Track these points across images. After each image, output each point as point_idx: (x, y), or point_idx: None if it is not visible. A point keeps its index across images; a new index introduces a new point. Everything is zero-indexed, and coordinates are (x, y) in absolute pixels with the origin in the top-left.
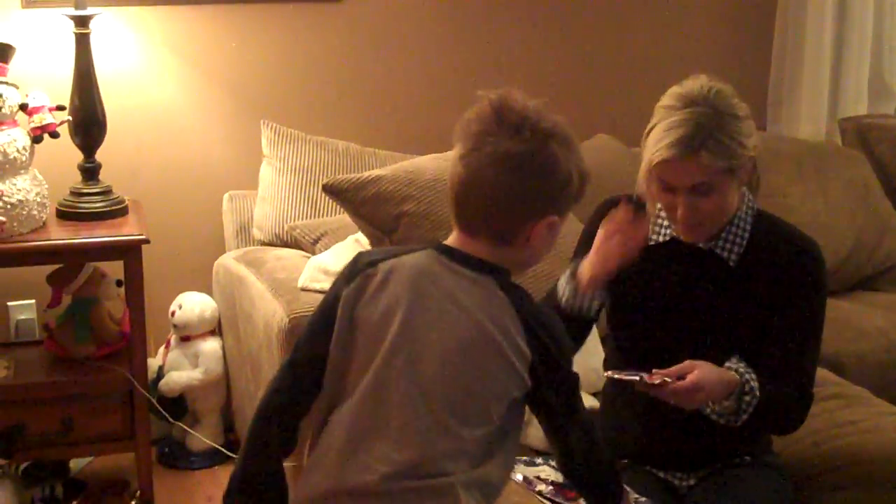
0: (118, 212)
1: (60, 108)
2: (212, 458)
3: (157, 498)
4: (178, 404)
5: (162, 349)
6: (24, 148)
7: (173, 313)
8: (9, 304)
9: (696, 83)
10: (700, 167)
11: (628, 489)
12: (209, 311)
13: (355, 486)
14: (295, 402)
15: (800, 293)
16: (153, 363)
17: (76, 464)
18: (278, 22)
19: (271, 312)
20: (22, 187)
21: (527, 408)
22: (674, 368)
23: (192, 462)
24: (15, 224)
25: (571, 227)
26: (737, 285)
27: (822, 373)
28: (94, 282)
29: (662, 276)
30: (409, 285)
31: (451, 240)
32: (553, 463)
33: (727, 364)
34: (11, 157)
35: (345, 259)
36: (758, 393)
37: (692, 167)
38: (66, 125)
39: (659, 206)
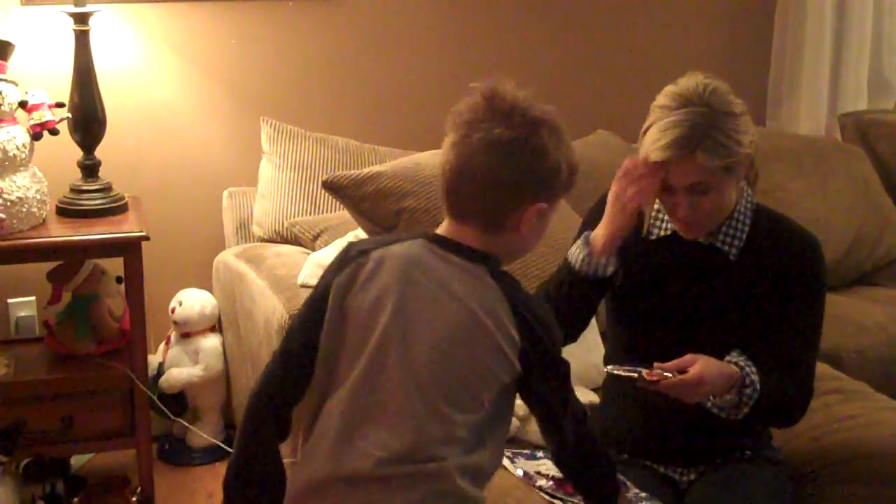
0: (118, 209)
1: (60, 105)
2: (212, 455)
3: (157, 494)
4: (178, 401)
5: (162, 346)
6: (23, 145)
7: (173, 310)
8: (9, 301)
9: (690, 81)
10: (697, 167)
11: (627, 483)
12: (209, 308)
13: (351, 472)
14: (286, 391)
15: (799, 287)
16: (153, 360)
17: (77, 461)
18: (278, 18)
19: (271, 309)
20: (22, 184)
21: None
22: (675, 362)
23: (192, 458)
24: (15, 221)
25: (569, 222)
26: (737, 279)
27: (821, 368)
28: (94, 279)
29: (663, 270)
30: (400, 274)
31: (442, 228)
32: None
33: (727, 358)
34: (11, 154)
35: None
36: (758, 386)
37: (689, 167)
38: (65, 122)
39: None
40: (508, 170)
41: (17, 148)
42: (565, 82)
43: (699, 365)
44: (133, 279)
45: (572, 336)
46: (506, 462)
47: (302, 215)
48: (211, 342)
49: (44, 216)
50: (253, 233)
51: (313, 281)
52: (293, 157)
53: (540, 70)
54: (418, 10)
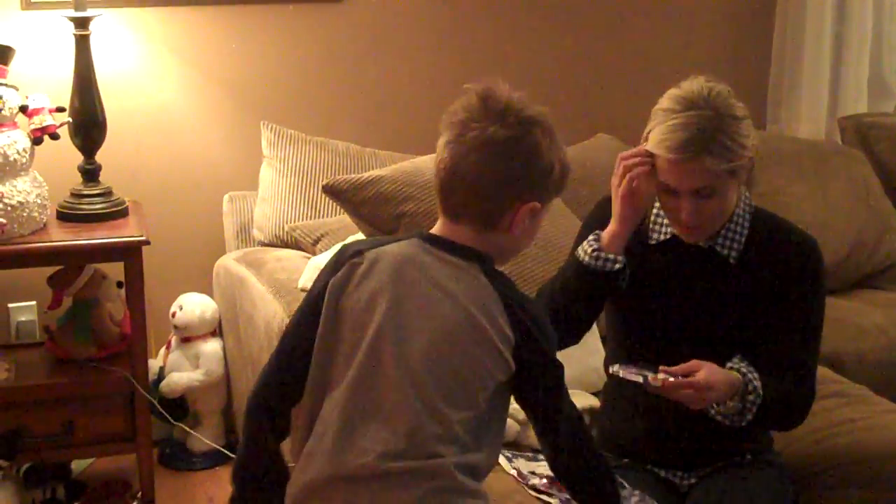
0: (118, 213)
1: (60, 109)
2: (213, 459)
3: (158, 499)
4: (179, 405)
5: (163, 350)
6: (24, 150)
7: (174, 314)
8: (9, 305)
9: (694, 84)
10: (703, 170)
11: (623, 482)
12: (210, 313)
13: (352, 470)
14: (282, 392)
15: (799, 289)
16: (154, 364)
17: (77, 465)
18: (278, 23)
19: (272, 313)
20: (22, 189)
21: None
22: (679, 367)
23: (193, 463)
24: (15, 226)
25: (566, 224)
26: (737, 282)
27: (822, 371)
28: (94, 283)
29: (663, 274)
30: (394, 273)
31: (437, 228)
32: None
33: (728, 364)
34: (11, 158)
35: None
36: (761, 391)
37: (695, 171)
38: (66, 127)
39: (658, 203)
40: (502, 169)
41: (18, 152)
42: (566, 86)
43: (705, 370)
44: (133, 284)
45: (575, 337)
46: (502, 461)
47: (302, 219)
48: (211, 346)
49: (44, 221)
50: (253, 237)
51: None
52: (293, 161)
53: (540, 74)
54: (418, 15)
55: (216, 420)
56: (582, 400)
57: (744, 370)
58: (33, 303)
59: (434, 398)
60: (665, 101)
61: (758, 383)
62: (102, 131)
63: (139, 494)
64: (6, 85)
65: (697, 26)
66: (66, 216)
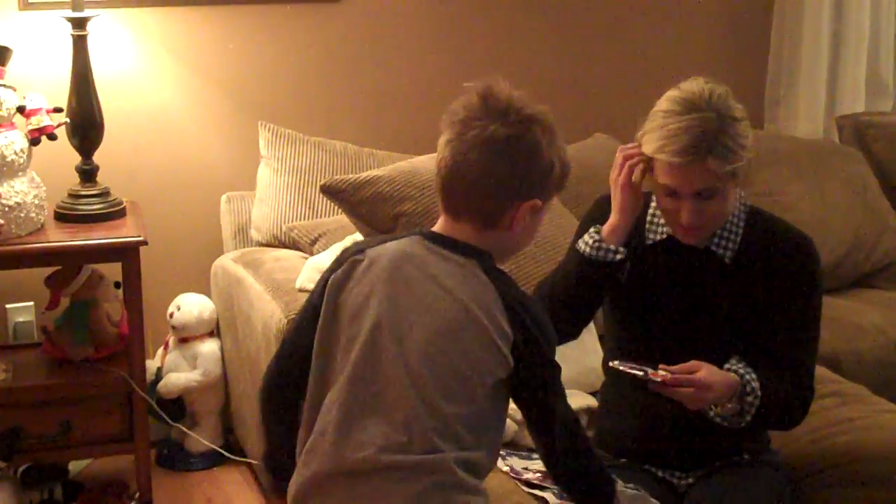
0: (116, 213)
1: (58, 110)
2: (211, 460)
3: (156, 500)
4: (176, 406)
5: (160, 351)
6: (21, 150)
7: (171, 315)
8: (7, 306)
9: (694, 86)
10: (706, 173)
11: (616, 479)
12: (207, 313)
13: (353, 465)
14: (286, 387)
15: (796, 288)
16: (151, 365)
17: (75, 466)
18: (276, 23)
19: (269, 313)
20: (20, 190)
21: None
22: (679, 367)
23: (191, 464)
24: (13, 226)
25: (564, 224)
26: (733, 282)
27: (819, 371)
28: (92, 284)
29: (659, 274)
30: (392, 268)
31: (438, 226)
32: None
33: (726, 366)
34: (9, 159)
35: None
36: (759, 392)
37: (698, 173)
38: (63, 127)
39: (654, 205)
40: (503, 167)
41: (16, 153)
42: (563, 86)
43: (705, 370)
44: (131, 284)
45: (573, 332)
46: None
47: (300, 219)
48: (209, 347)
49: (42, 221)
50: (251, 237)
51: (311, 285)
52: (291, 161)
53: (538, 73)
54: (416, 14)
55: (214, 420)
56: (580, 400)
57: (741, 371)
58: (31, 303)
59: (431, 392)
60: (664, 103)
61: (756, 384)
62: (100, 132)
63: (137, 495)
64: (3, 85)
65: (695, 25)
66: (64, 217)
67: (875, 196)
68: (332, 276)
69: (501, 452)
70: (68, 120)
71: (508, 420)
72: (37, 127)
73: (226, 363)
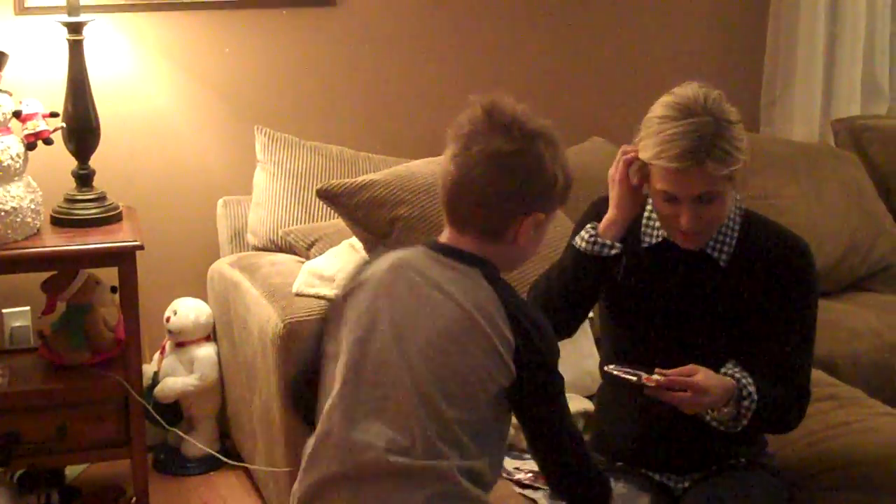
0: (112, 218)
1: (54, 114)
2: (207, 464)
3: None
4: (173, 410)
5: (157, 355)
6: (17, 155)
7: (168, 319)
8: (3, 311)
9: (688, 91)
10: (706, 177)
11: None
12: (204, 317)
13: (357, 467)
14: (307, 392)
15: (791, 291)
16: (148, 369)
17: (72, 471)
18: (272, 27)
19: (266, 318)
20: (16, 194)
21: None
22: (676, 370)
23: (187, 468)
24: (9, 231)
25: (563, 229)
26: (728, 285)
27: (816, 374)
28: (88, 288)
29: (655, 278)
30: (394, 274)
31: (442, 237)
32: None
33: (722, 370)
34: (5, 164)
35: (339, 264)
36: (756, 396)
37: (698, 177)
38: (59, 132)
39: (649, 208)
40: (508, 181)
41: (11, 158)
42: (559, 89)
43: (702, 374)
44: (127, 288)
45: (568, 330)
46: None
47: (296, 224)
48: (206, 351)
49: (38, 226)
50: (247, 241)
51: (308, 290)
52: (287, 165)
53: (534, 77)
54: (412, 19)
55: (210, 425)
56: (576, 403)
57: (738, 376)
58: (27, 308)
59: (432, 393)
60: (659, 109)
61: (752, 389)
62: (96, 136)
63: (133, 500)
64: (0, 90)
65: (691, 29)
66: (60, 221)
67: (871, 199)
68: (346, 285)
69: None
70: (64, 124)
71: None
72: (33, 132)
73: (222, 367)
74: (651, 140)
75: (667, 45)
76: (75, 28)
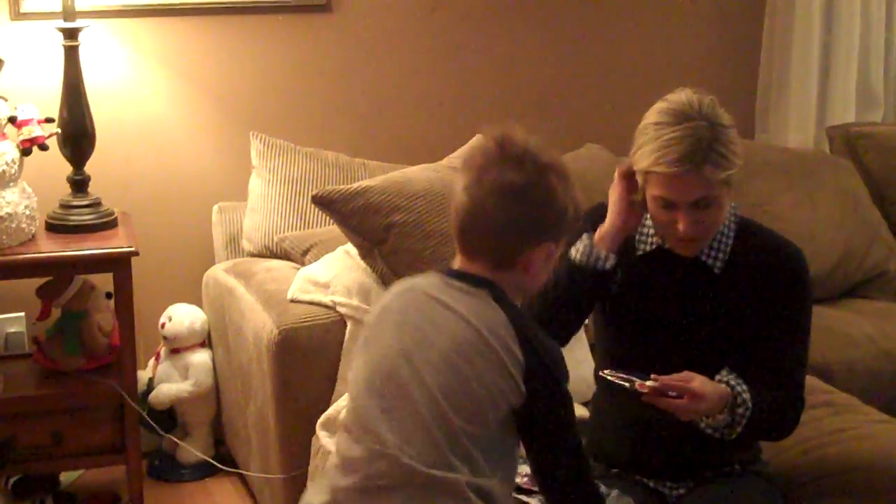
0: (107, 224)
1: (49, 120)
2: (202, 471)
3: None
4: (168, 417)
5: (152, 361)
6: (12, 161)
7: (163, 325)
8: None
9: (682, 96)
10: (704, 181)
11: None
12: (199, 323)
13: (369, 477)
14: None
15: (785, 299)
16: (143, 376)
17: (66, 477)
18: (268, 33)
19: (261, 324)
20: (11, 200)
21: None
22: (673, 376)
23: (182, 474)
24: (4, 237)
25: None
26: (723, 292)
27: (810, 380)
28: (83, 294)
29: (649, 285)
30: (402, 293)
31: (454, 264)
32: None
33: (717, 377)
34: (0, 170)
35: (334, 270)
36: (750, 404)
37: (695, 182)
38: (55, 137)
39: (645, 215)
40: (520, 213)
41: (7, 163)
42: (554, 96)
43: (698, 381)
44: (122, 294)
45: (563, 339)
46: None
47: (292, 230)
48: (200, 357)
49: (33, 232)
50: (243, 248)
51: (303, 296)
52: (283, 171)
53: (529, 84)
54: (408, 25)
55: (205, 431)
56: None
57: (732, 383)
58: (22, 314)
59: (442, 406)
60: (654, 116)
61: (747, 396)
62: (91, 142)
63: None
64: None
65: (686, 36)
66: (55, 227)
67: (865, 206)
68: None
69: None
70: (60, 130)
71: None
72: (28, 137)
73: (217, 374)
74: (648, 147)
75: (662, 53)
76: (71, 34)
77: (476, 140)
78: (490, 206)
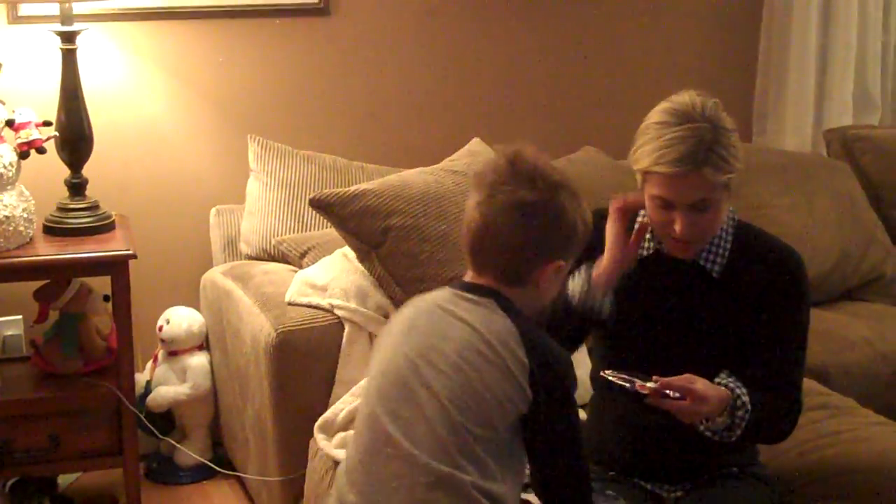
0: (105, 227)
1: (47, 123)
2: (200, 473)
3: None
4: (165, 419)
5: (149, 364)
6: (10, 164)
7: (161, 328)
8: None
9: (686, 98)
10: (703, 183)
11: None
12: (197, 326)
13: (385, 479)
14: None
15: (783, 302)
16: (140, 378)
17: (64, 480)
18: (265, 37)
19: (259, 327)
20: (8, 203)
21: None
22: (675, 378)
23: (180, 477)
24: (1, 240)
25: None
26: (721, 296)
27: (808, 383)
28: (81, 297)
29: (647, 289)
30: (414, 309)
31: (465, 278)
32: None
33: (716, 380)
34: None
35: (332, 273)
36: (749, 406)
37: (695, 183)
38: (52, 141)
39: (639, 219)
40: (531, 229)
41: (4, 167)
42: (552, 98)
43: (701, 382)
44: (120, 297)
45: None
46: None
47: (289, 233)
48: (198, 360)
49: (31, 235)
50: (240, 250)
51: (301, 299)
52: (280, 174)
53: (526, 87)
54: (405, 28)
55: (203, 434)
56: None
57: (732, 385)
58: (19, 317)
59: (449, 410)
60: (657, 116)
61: (746, 398)
62: (89, 145)
63: None
64: None
65: (683, 39)
66: (53, 230)
67: (863, 209)
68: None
69: None
70: (57, 133)
71: None
72: (26, 140)
73: (215, 376)
74: (649, 146)
75: (660, 56)
76: (69, 37)
77: (486, 157)
78: (502, 223)
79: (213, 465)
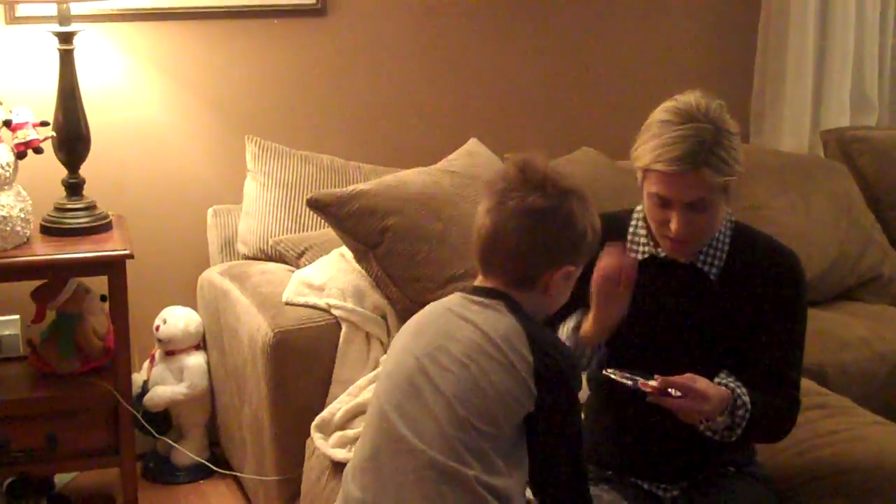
0: (102, 227)
1: (44, 123)
2: (197, 473)
3: None
4: (162, 419)
5: (146, 364)
6: (7, 164)
7: (158, 328)
8: None
9: (691, 98)
10: (701, 183)
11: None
12: (194, 326)
13: (390, 475)
14: None
15: (780, 303)
16: (138, 378)
17: (61, 479)
18: (262, 37)
19: (256, 327)
20: (5, 203)
21: None
22: (677, 378)
23: (177, 477)
24: None
25: None
26: (718, 298)
27: (805, 383)
28: (78, 297)
29: (644, 292)
30: (426, 314)
31: (476, 283)
32: None
33: (716, 380)
34: None
35: (329, 273)
36: (749, 406)
37: (693, 183)
38: (49, 141)
39: (633, 223)
40: (541, 235)
41: (2, 167)
42: (550, 99)
43: (702, 382)
44: (117, 297)
45: None
46: None
47: (286, 233)
48: (195, 360)
49: (28, 235)
50: (237, 250)
51: (298, 298)
52: (278, 174)
53: (524, 87)
54: (402, 28)
55: (200, 433)
56: None
57: (732, 385)
58: (16, 317)
59: (456, 408)
60: (661, 114)
61: (746, 398)
62: (86, 145)
63: None
64: None
65: (681, 40)
66: (50, 230)
67: (860, 210)
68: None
69: None
70: (55, 134)
71: None
72: (23, 141)
73: (212, 376)
74: (650, 144)
75: (658, 56)
76: (66, 38)
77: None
78: (511, 229)
79: (209, 465)
